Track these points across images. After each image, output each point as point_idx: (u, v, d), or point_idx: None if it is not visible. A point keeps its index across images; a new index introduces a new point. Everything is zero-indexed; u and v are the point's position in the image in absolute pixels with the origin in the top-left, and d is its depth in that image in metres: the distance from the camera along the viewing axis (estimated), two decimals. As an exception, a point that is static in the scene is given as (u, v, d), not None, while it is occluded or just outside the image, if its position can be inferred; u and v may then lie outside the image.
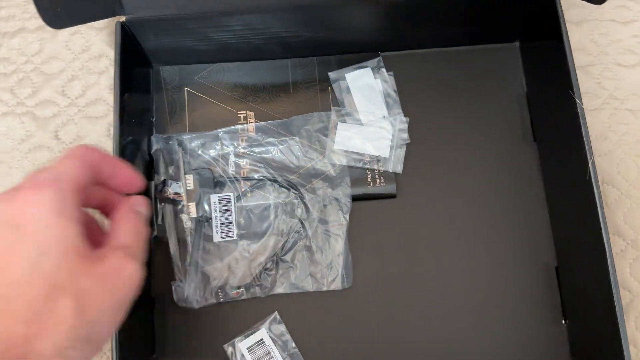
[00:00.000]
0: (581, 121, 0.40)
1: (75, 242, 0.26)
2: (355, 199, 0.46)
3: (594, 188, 0.39)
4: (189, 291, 0.43)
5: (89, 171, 0.29)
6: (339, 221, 0.45)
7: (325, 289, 0.44)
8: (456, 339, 0.44)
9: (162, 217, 0.44)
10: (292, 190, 0.45)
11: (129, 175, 0.33)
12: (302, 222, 0.45)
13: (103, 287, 0.27)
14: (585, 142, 0.39)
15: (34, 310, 0.24)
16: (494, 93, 0.49)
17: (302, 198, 0.45)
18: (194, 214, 0.44)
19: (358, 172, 0.46)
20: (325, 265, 0.44)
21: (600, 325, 0.40)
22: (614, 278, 0.38)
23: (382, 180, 0.46)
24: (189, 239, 0.44)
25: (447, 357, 0.44)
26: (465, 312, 0.45)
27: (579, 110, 0.40)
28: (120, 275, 0.28)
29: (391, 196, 0.46)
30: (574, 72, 0.41)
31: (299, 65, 0.49)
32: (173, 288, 0.43)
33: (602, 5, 0.50)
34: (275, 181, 0.45)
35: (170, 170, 0.45)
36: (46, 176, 0.27)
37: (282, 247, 0.44)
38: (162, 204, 0.44)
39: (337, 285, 0.44)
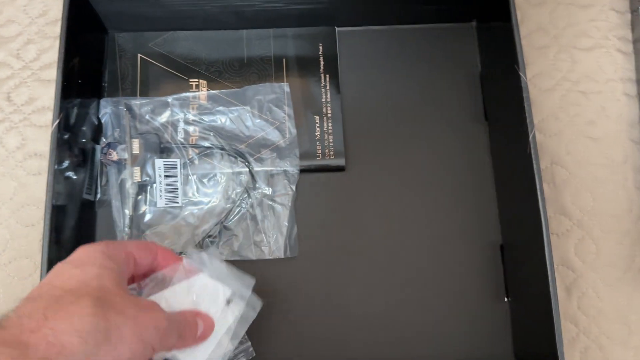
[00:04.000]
0: (524, 94, 0.39)
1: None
2: (303, 170, 0.46)
3: (533, 161, 0.39)
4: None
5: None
6: (285, 191, 0.45)
7: (268, 257, 0.44)
8: (398, 312, 0.44)
9: (107, 180, 0.44)
10: (239, 158, 0.45)
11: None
12: (247, 191, 0.45)
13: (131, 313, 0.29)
14: (527, 115, 0.39)
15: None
16: (449, 72, 0.49)
17: (249, 167, 0.45)
18: (137, 179, 0.44)
19: (308, 145, 0.46)
20: (270, 234, 0.44)
21: (538, 302, 0.39)
22: (549, 254, 0.37)
23: (331, 153, 0.46)
24: (131, 202, 0.43)
25: (389, 329, 0.43)
26: (409, 287, 0.44)
27: (522, 84, 0.40)
28: (149, 314, 0.30)
29: (339, 169, 0.46)
30: (519, 47, 0.41)
31: (255, 38, 0.49)
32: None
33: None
34: (224, 149, 0.45)
35: (116, 134, 0.45)
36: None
37: (227, 215, 0.44)
38: (107, 167, 0.44)
39: (279, 253, 0.44)
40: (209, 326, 0.34)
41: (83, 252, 0.31)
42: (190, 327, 0.33)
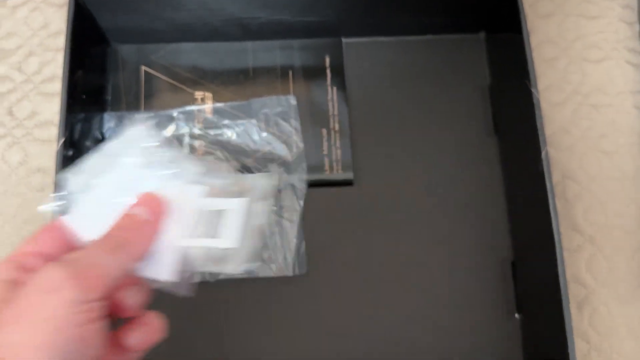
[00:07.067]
0: (536, 111, 0.39)
1: None
2: (311, 185, 0.45)
3: (546, 179, 0.38)
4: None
5: None
6: (293, 206, 0.44)
7: (275, 274, 0.43)
8: (409, 329, 0.43)
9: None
10: (246, 173, 0.44)
11: None
12: (255, 207, 0.44)
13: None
14: (539, 133, 0.39)
15: None
16: (457, 84, 0.48)
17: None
18: (144, 195, 0.43)
19: (315, 159, 0.46)
20: (277, 251, 0.43)
21: (550, 319, 0.39)
22: (562, 271, 0.37)
23: (339, 167, 0.46)
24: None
25: (399, 346, 0.43)
26: (419, 302, 0.44)
27: (534, 100, 0.39)
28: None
29: (348, 183, 0.45)
30: (531, 62, 0.40)
31: (260, 49, 0.48)
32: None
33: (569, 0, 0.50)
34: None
35: (121, 149, 0.44)
36: None
37: (234, 232, 0.43)
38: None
39: (288, 271, 0.43)
40: (153, 204, 0.27)
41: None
42: (124, 228, 0.26)
